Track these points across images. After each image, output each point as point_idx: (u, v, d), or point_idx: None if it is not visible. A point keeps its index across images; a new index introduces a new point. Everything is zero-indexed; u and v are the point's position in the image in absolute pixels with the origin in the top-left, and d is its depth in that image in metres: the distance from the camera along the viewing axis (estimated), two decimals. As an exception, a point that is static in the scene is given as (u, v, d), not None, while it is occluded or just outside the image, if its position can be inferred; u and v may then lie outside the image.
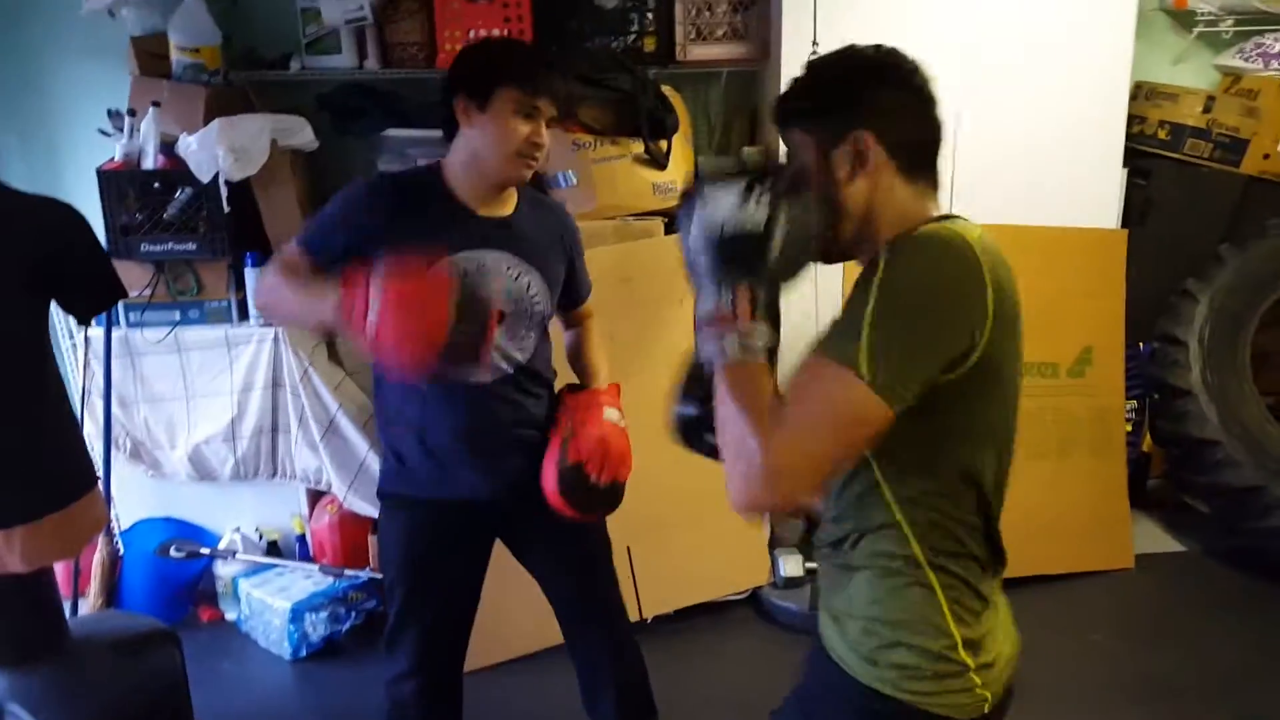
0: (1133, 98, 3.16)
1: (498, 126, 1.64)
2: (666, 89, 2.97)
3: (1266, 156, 3.21)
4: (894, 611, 1.09)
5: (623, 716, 1.96)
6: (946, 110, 1.16)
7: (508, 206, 1.76)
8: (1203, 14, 3.35)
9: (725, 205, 1.05)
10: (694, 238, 1.07)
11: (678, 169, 2.89)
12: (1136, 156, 3.29)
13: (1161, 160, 3.32)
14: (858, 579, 1.12)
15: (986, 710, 1.10)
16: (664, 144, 2.85)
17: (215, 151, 2.60)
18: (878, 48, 1.17)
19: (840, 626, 1.14)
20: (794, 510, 1.10)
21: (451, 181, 1.72)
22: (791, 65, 2.91)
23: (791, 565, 2.81)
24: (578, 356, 1.95)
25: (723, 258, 1.06)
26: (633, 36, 3.11)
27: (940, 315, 1.00)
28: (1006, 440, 1.13)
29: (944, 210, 1.15)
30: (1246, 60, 3.30)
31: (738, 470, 1.00)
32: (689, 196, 1.09)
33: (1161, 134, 3.33)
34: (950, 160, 3.05)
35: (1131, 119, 3.19)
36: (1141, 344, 3.28)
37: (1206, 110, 3.22)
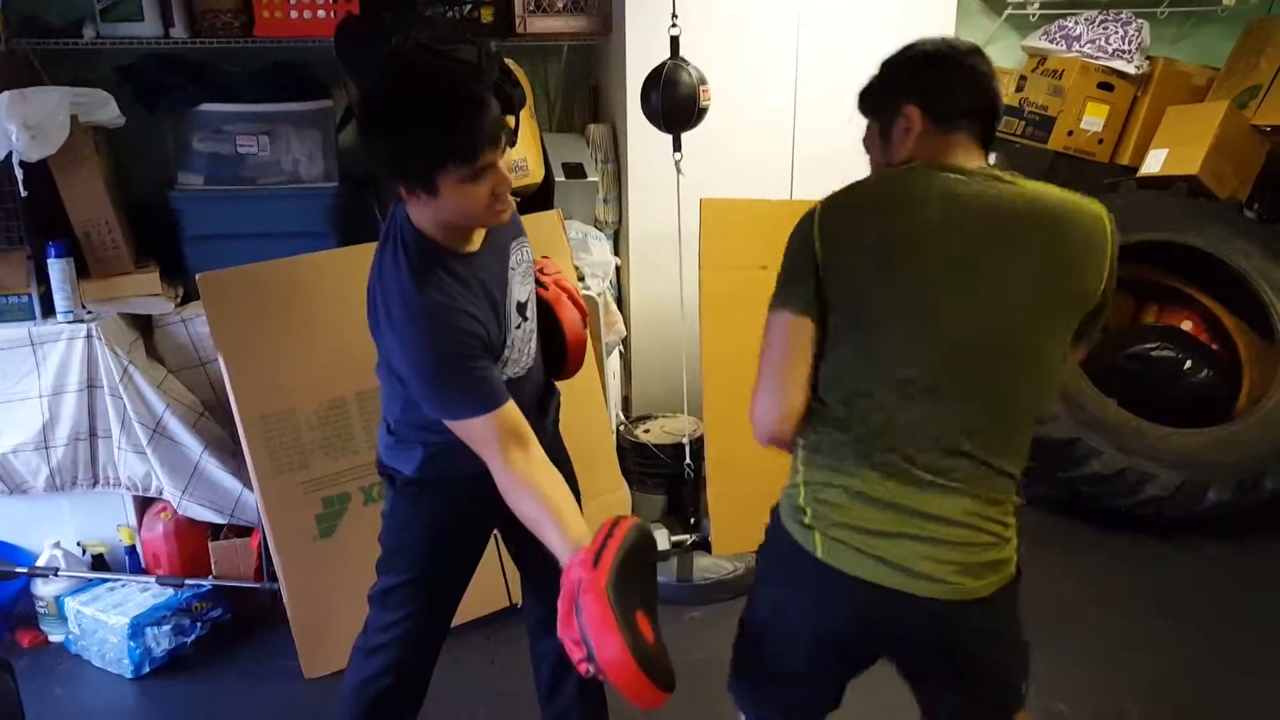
0: (952, 77, 3.34)
1: (452, 202, 1.48)
2: (509, 62, 2.89)
3: (1070, 133, 3.47)
4: None
5: (582, 694, 1.94)
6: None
7: None
8: (1013, -2, 3.58)
9: None
10: None
11: (527, 146, 2.82)
12: (956, 132, 3.48)
13: (978, 136, 3.53)
14: None
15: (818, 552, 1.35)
16: (511, 120, 2.77)
17: (6, 128, 2.33)
18: (939, 42, 1.44)
19: None
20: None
21: (444, 241, 1.56)
22: (639, 39, 2.91)
23: (658, 540, 2.83)
24: None
25: None
26: (469, 6, 3.01)
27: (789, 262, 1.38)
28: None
29: (961, 157, 1.39)
30: (1051, 42, 3.55)
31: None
32: None
33: (978, 111, 3.54)
34: (790, 144, 3.17)
35: (951, 97, 3.37)
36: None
37: (1019, 89, 3.44)
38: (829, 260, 1.33)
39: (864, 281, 1.33)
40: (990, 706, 1.47)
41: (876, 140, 1.47)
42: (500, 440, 1.50)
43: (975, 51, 1.43)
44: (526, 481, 1.50)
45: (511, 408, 1.52)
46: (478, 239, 1.61)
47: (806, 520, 1.36)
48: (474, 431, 1.51)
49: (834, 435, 1.35)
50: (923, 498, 1.32)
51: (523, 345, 1.69)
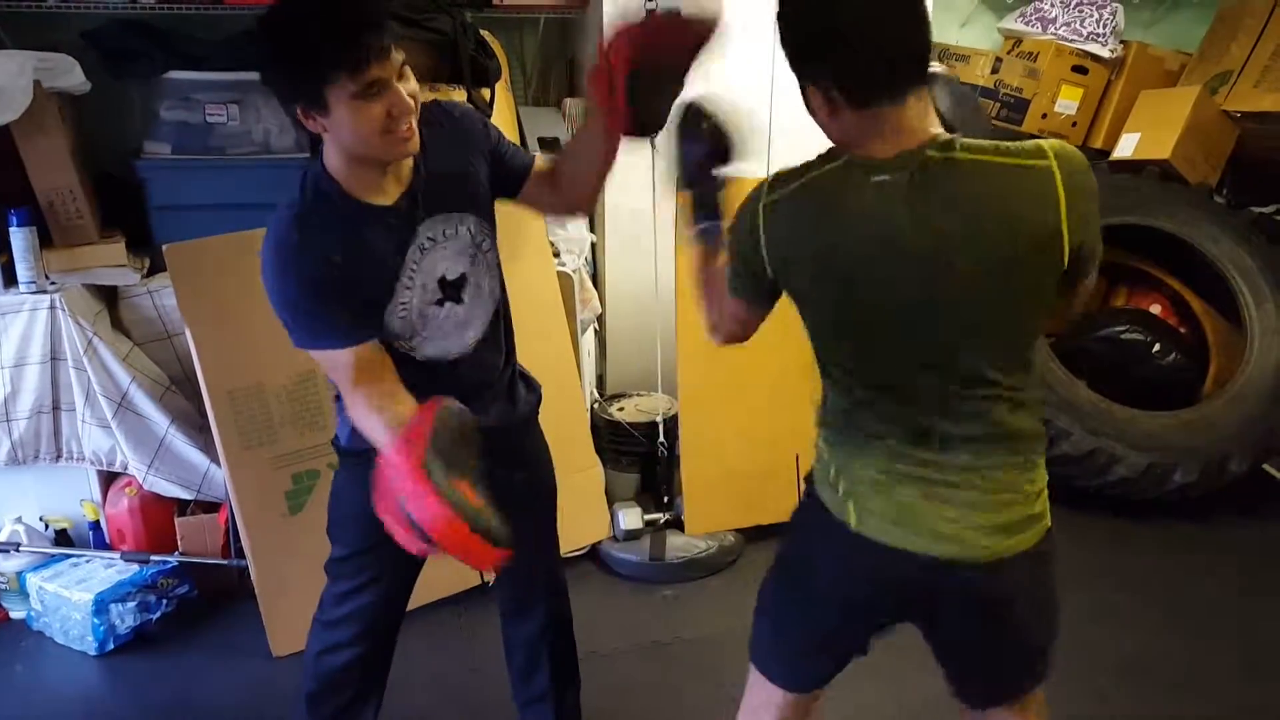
0: (929, 57, 3.34)
1: (347, 122, 1.40)
2: (485, 34, 2.85)
3: (1045, 116, 3.49)
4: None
5: (555, 680, 1.94)
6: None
7: (407, 162, 1.55)
8: (989, -21, 3.58)
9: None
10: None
11: (501, 119, 2.78)
12: (932, 114, 3.48)
13: (954, 117, 3.54)
14: None
15: (852, 524, 1.34)
16: (486, 92, 2.74)
17: (-34, 92, 2.27)
18: None
19: None
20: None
21: (346, 184, 1.50)
22: (616, 12, 2.86)
23: (630, 519, 2.84)
24: (574, 156, 1.71)
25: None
26: (444, -23, 2.95)
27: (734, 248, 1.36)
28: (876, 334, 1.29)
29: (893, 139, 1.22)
30: (1027, 24, 3.55)
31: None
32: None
33: (955, 92, 3.54)
34: (766, 127, 3.14)
35: (928, 78, 3.37)
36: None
37: (994, 71, 3.45)
38: (780, 271, 1.31)
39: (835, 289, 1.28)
40: (1009, 678, 1.45)
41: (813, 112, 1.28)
42: (350, 377, 1.49)
43: None
44: (366, 408, 1.48)
45: (366, 349, 1.49)
46: (393, 190, 1.53)
47: (841, 492, 1.34)
48: (326, 363, 1.52)
49: (848, 421, 1.34)
50: (937, 464, 1.30)
51: (447, 326, 1.61)
